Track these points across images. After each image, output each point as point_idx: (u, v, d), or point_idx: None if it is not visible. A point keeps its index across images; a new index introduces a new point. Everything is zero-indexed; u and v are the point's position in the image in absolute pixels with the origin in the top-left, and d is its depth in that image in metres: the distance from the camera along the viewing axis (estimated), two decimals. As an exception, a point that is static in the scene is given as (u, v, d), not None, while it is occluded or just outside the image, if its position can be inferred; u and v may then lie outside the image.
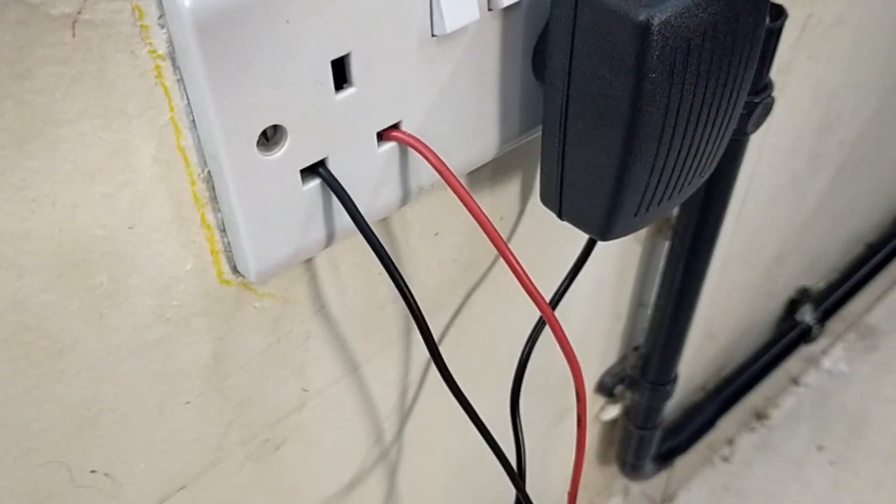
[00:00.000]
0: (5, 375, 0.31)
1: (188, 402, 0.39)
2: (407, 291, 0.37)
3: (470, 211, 0.37)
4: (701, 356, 0.99)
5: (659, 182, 0.37)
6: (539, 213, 0.53)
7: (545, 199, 0.42)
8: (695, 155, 0.37)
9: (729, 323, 1.01)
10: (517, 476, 0.41)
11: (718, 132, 0.38)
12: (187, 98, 0.30)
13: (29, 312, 0.31)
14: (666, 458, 0.96)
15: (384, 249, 0.36)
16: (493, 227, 0.37)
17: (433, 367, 0.54)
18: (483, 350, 0.58)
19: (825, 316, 1.15)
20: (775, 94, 0.57)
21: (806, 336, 1.13)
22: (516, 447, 0.47)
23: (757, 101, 0.55)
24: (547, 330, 0.51)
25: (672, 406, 0.98)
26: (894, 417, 1.30)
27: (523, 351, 0.49)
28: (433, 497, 0.65)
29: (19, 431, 0.33)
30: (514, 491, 0.51)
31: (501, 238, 0.38)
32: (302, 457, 0.48)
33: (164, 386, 0.38)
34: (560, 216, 0.42)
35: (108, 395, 0.36)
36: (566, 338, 0.39)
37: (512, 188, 0.50)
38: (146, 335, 0.35)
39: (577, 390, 0.41)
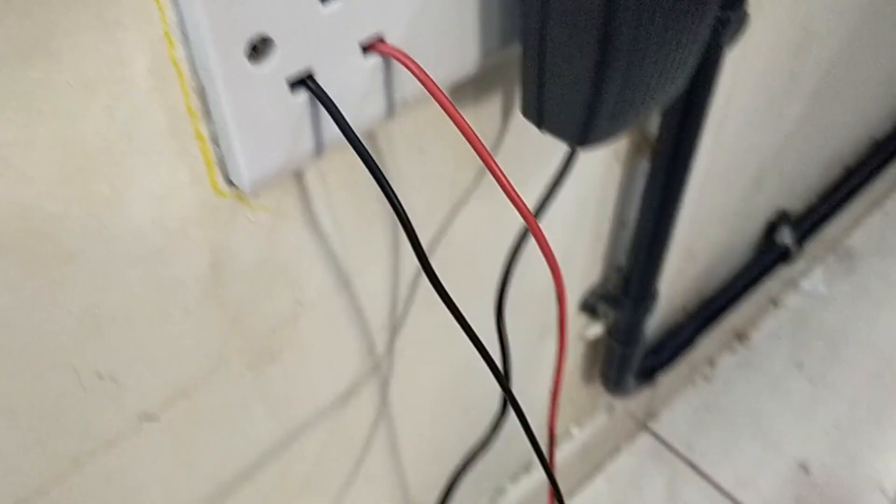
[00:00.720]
0: (15, 281, 0.33)
1: (188, 310, 0.41)
2: (394, 197, 0.38)
3: (454, 121, 0.38)
4: (681, 277, 1.01)
5: (636, 85, 0.39)
6: (520, 130, 0.54)
7: (526, 112, 0.44)
8: (668, 59, 0.39)
9: (709, 244, 1.03)
10: (503, 376, 0.43)
11: (691, 38, 0.40)
12: (180, 11, 0.32)
13: (35, 219, 0.32)
14: (648, 374, 0.99)
15: (371, 156, 0.37)
16: (476, 136, 0.39)
17: (421, 281, 0.56)
18: (468, 267, 0.60)
19: (803, 237, 1.18)
20: (752, 13, 0.58)
21: (785, 257, 1.16)
22: (501, 351, 0.50)
23: (731, 14, 0.56)
24: (529, 247, 0.53)
25: (654, 326, 1.01)
26: (872, 337, 1.34)
27: (507, 260, 0.51)
28: (423, 409, 0.68)
29: (30, 336, 0.35)
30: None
31: (485, 147, 0.39)
32: (297, 367, 0.50)
33: (165, 294, 0.39)
34: (540, 127, 0.43)
35: (111, 301, 0.37)
36: (546, 239, 0.41)
37: (493, 107, 0.51)
38: (145, 244, 0.37)
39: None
